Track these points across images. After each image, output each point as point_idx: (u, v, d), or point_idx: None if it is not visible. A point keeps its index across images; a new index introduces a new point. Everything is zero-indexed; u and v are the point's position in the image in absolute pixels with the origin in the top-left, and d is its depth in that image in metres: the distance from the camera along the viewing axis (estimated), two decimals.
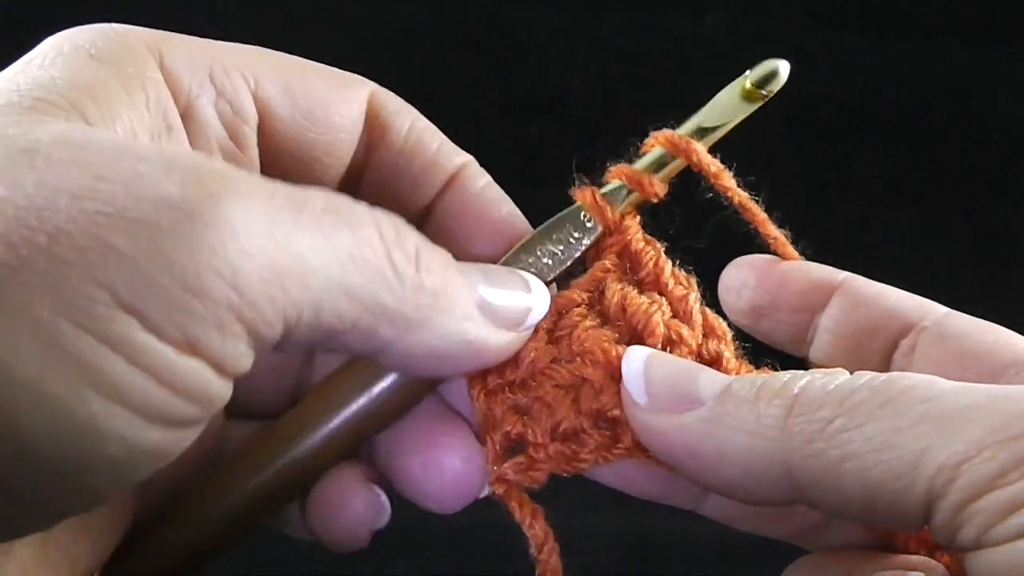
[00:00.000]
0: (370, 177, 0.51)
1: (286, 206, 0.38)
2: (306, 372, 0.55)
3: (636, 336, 0.48)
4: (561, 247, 0.49)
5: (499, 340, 0.46)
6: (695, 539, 0.90)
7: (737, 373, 0.47)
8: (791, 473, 0.40)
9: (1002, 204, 1.08)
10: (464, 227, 0.50)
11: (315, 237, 0.38)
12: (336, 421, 0.49)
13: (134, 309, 0.34)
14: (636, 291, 0.49)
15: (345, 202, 0.40)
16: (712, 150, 0.50)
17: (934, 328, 0.49)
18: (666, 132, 0.50)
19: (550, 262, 0.49)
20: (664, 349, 0.48)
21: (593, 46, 1.05)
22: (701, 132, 0.50)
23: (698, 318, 0.49)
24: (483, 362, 0.46)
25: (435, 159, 0.51)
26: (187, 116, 0.45)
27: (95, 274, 0.34)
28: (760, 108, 0.49)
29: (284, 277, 0.37)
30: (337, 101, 0.49)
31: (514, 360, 0.48)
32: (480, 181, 0.51)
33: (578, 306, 0.49)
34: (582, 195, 0.50)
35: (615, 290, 0.49)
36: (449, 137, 0.52)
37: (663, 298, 0.49)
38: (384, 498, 0.51)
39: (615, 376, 0.46)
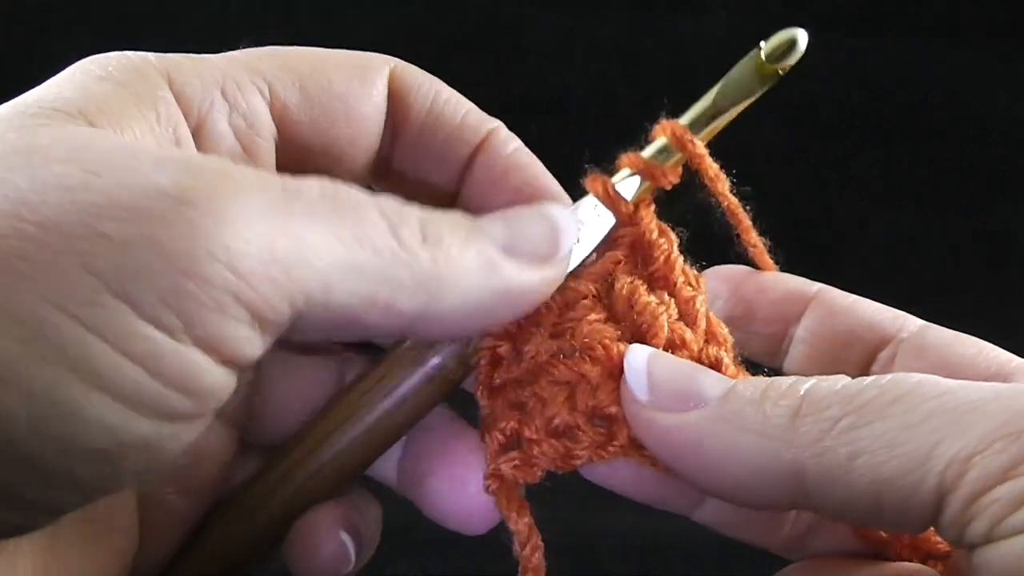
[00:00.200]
0: (399, 155, 0.50)
1: (283, 195, 0.38)
2: None
3: (640, 335, 0.48)
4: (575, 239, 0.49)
5: (533, 278, 0.44)
6: (695, 539, 0.89)
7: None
8: (798, 473, 0.40)
9: (1002, 204, 1.08)
10: (495, 194, 0.49)
11: (314, 221, 0.38)
12: (326, 456, 0.49)
13: (125, 295, 0.34)
14: (645, 287, 0.49)
15: (343, 188, 0.40)
16: (712, 145, 0.50)
17: (913, 340, 0.49)
18: (672, 123, 0.49)
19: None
20: (666, 351, 0.47)
21: (593, 46, 1.05)
22: (714, 112, 0.48)
23: (702, 322, 0.49)
24: (524, 303, 0.45)
25: (460, 129, 0.49)
26: (199, 132, 0.44)
27: (84, 261, 0.34)
28: (776, 84, 0.48)
29: (285, 259, 0.36)
30: (357, 91, 0.48)
31: (517, 355, 0.48)
32: (509, 146, 0.50)
33: (585, 298, 0.48)
34: (594, 186, 0.49)
35: (624, 284, 0.48)
36: None
37: (671, 299, 0.49)
38: (350, 547, 0.50)
39: (613, 373, 0.46)
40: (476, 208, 0.47)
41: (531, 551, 0.46)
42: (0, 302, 0.33)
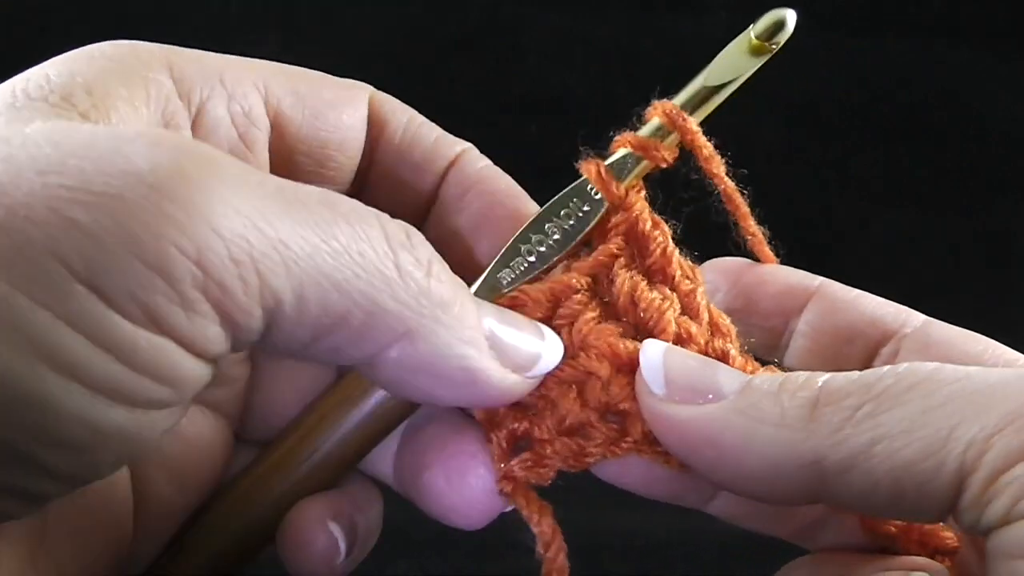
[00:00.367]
0: (376, 172, 0.51)
1: (276, 195, 0.37)
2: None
3: (645, 332, 0.47)
4: (572, 222, 0.49)
5: (502, 378, 0.43)
6: (695, 539, 0.90)
7: (744, 370, 0.47)
8: (816, 464, 0.40)
9: (1002, 204, 1.08)
10: (467, 205, 0.50)
11: (304, 227, 0.37)
12: (320, 446, 0.49)
13: (93, 284, 0.33)
14: (645, 283, 0.49)
15: (347, 201, 0.40)
16: (711, 141, 0.50)
17: (917, 336, 0.49)
18: (664, 103, 0.49)
19: (559, 237, 0.49)
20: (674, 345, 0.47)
21: (593, 46, 1.05)
22: (707, 93, 0.48)
23: (705, 315, 0.49)
24: (480, 397, 0.44)
25: (435, 147, 0.51)
26: (197, 117, 0.45)
27: (53, 248, 0.33)
28: (768, 61, 0.48)
29: (261, 261, 0.35)
30: (343, 102, 0.49)
31: None
32: (479, 163, 0.51)
33: (577, 292, 0.48)
34: (587, 168, 0.49)
35: (624, 280, 0.48)
36: None
37: (673, 293, 0.49)
38: (340, 538, 0.50)
39: (623, 369, 0.46)
40: (447, 222, 0.48)
41: (556, 552, 0.46)
42: None
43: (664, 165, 0.49)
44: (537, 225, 0.49)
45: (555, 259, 0.49)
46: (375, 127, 0.50)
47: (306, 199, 0.38)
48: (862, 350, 0.51)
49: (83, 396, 0.34)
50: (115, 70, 0.42)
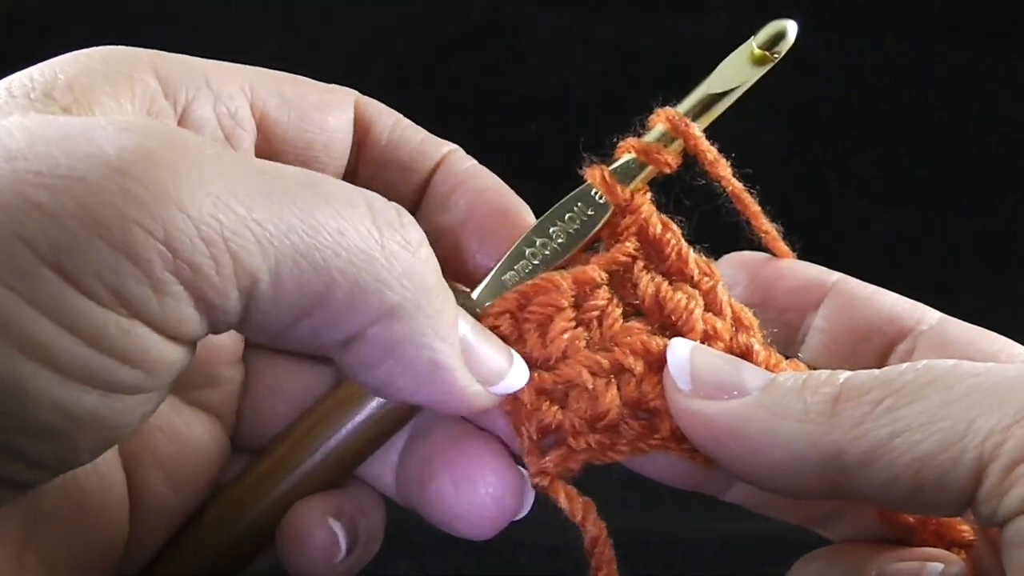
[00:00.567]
0: (363, 174, 0.51)
1: (252, 175, 0.37)
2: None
3: (672, 330, 0.48)
4: (576, 226, 0.49)
5: (466, 384, 0.43)
6: (695, 539, 0.90)
7: (767, 363, 0.47)
8: (837, 457, 0.40)
9: (1002, 204, 1.08)
10: (453, 203, 0.50)
11: (281, 205, 0.36)
12: (319, 446, 0.49)
13: (60, 267, 0.33)
14: (667, 283, 0.49)
15: (332, 181, 0.39)
16: (712, 140, 0.50)
17: (933, 333, 0.50)
18: (668, 110, 0.49)
19: (564, 241, 0.49)
20: (702, 343, 0.47)
21: (593, 46, 1.05)
22: (710, 100, 0.49)
23: (727, 309, 0.49)
24: (438, 396, 0.43)
25: (421, 148, 0.51)
26: (183, 119, 0.45)
27: (19, 232, 0.33)
28: (770, 71, 0.48)
29: (233, 240, 0.35)
30: (329, 105, 0.50)
31: (541, 337, 0.47)
32: (465, 163, 0.52)
33: (599, 287, 0.48)
34: (592, 173, 0.50)
35: (647, 281, 0.49)
36: (449, 137, 0.53)
37: (696, 291, 0.49)
38: (341, 536, 0.49)
39: (654, 367, 0.47)
40: (434, 220, 0.48)
41: (603, 547, 0.46)
42: None
43: (668, 170, 0.50)
44: (541, 229, 0.49)
45: (559, 263, 0.49)
46: (361, 130, 0.51)
47: (286, 179, 0.38)
48: (878, 346, 0.51)
49: (53, 380, 0.34)
50: (100, 69, 0.42)
